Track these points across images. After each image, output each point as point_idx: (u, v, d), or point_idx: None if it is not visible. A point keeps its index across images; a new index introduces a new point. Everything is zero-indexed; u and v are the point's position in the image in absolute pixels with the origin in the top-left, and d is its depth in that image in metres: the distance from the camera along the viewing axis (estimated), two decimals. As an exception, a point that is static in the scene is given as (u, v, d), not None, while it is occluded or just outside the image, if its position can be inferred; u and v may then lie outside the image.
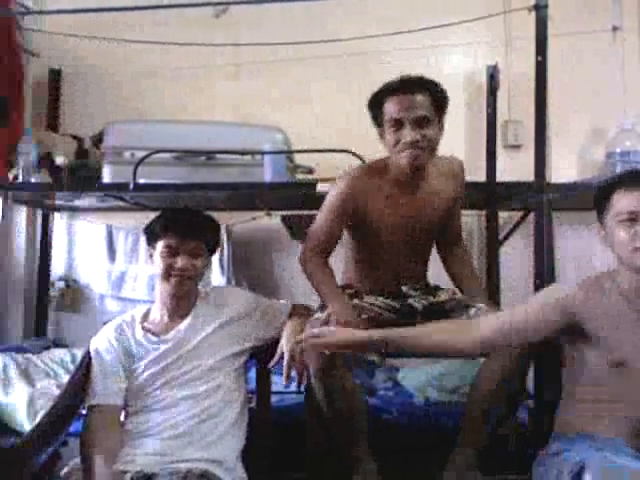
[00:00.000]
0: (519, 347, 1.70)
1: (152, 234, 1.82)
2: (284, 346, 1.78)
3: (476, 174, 2.63)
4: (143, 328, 1.82)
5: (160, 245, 1.79)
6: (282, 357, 1.77)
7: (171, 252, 1.77)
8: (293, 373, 1.74)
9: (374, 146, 2.69)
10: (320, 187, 2.32)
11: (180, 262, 1.77)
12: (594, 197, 1.57)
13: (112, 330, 1.83)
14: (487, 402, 1.78)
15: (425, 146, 1.82)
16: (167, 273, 1.78)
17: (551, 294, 1.59)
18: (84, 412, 1.75)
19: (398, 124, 1.81)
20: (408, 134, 1.80)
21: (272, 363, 1.79)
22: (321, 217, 1.97)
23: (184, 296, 1.82)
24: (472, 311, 1.88)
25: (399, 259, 1.98)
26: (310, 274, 1.94)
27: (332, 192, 1.96)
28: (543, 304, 1.57)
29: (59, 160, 2.62)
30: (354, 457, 1.83)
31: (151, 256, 1.84)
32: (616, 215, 1.48)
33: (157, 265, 1.80)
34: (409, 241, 1.97)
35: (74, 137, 2.81)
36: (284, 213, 2.76)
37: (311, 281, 1.94)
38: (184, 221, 1.81)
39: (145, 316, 1.86)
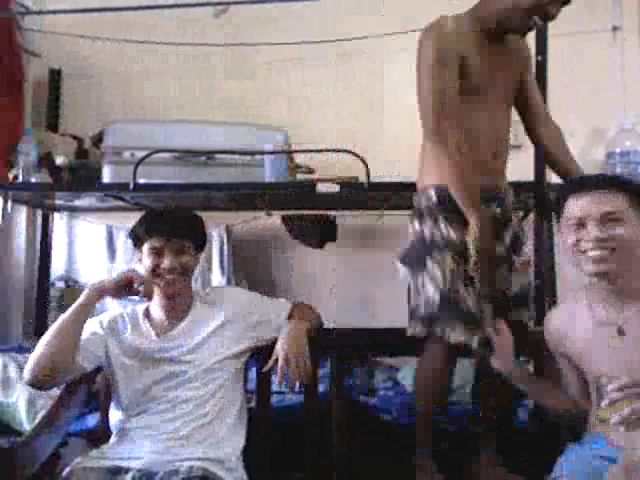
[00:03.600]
0: None
1: (137, 238, 1.82)
2: (279, 350, 1.78)
3: (476, 174, 2.63)
4: (147, 322, 1.83)
5: (146, 247, 1.79)
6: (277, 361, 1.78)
7: (156, 253, 1.78)
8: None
9: (374, 146, 2.70)
10: (320, 187, 2.33)
11: (166, 262, 1.77)
12: (554, 208, 1.61)
13: (107, 315, 1.85)
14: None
15: None
16: (154, 272, 1.78)
17: (548, 340, 1.66)
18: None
19: None
20: None
21: (266, 367, 1.81)
22: (430, 76, 1.73)
23: (178, 294, 1.82)
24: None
25: (496, 131, 1.84)
26: (448, 162, 1.71)
27: (428, 48, 1.75)
28: (555, 355, 1.65)
29: (59, 160, 2.62)
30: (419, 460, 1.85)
31: (140, 259, 1.84)
32: (566, 221, 1.52)
33: (144, 265, 1.80)
34: (502, 107, 1.85)
35: (74, 137, 2.81)
36: (284, 213, 2.76)
37: (447, 169, 1.72)
38: (167, 222, 1.81)
39: (146, 313, 1.86)
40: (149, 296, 1.82)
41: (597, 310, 1.53)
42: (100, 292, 1.77)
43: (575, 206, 1.50)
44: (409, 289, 1.84)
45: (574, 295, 1.62)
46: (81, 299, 1.74)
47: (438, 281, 1.74)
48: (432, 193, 1.79)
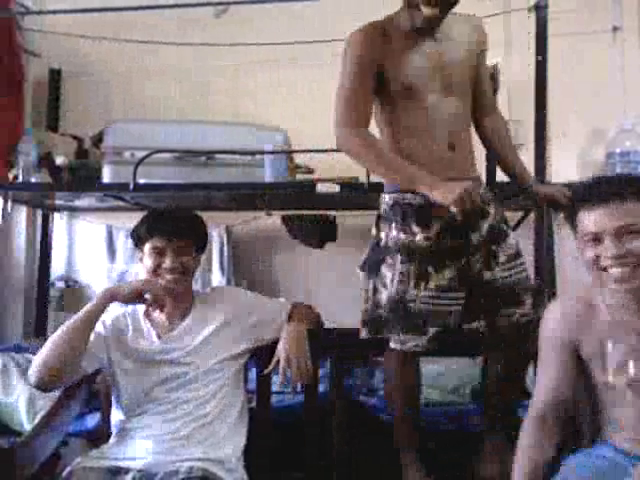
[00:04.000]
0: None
1: (138, 237, 1.83)
2: (281, 352, 1.79)
3: (476, 174, 2.63)
4: (148, 322, 1.83)
5: (147, 247, 1.80)
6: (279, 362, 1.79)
7: (158, 252, 1.78)
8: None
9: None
10: (320, 187, 2.32)
11: (167, 262, 1.77)
12: (567, 215, 1.52)
13: (110, 314, 1.84)
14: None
15: None
16: (155, 272, 1.78)
17: (547, 341, 1.55)
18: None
19: None
20: None
21: (268, 369, 1.82)
22: (345, 82, 1.77)
23: (178, 295, 1.82)
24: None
25: (446, 123, 1.80)
26: (362, 151, 1.74)
27: (349, 52, 1.79)
28: (554, 358, 1.52)
29: (59, 160, 2.62)
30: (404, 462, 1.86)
31: (141, 259, 1.84)
32: (582, 236, 1.43)
33: (145, 265, 1.80)
34: (450, 100, 1.81)
35: (74, 137, 2.81)
36: (284, 213, 2.76)
37: (366, 161, 1.78)
38: (168, 222, 1.81)
39: (147, 312, 1.86)
40: (161, 305, 1.80)
41: (616, 313, 1.45)
42: (113, 298, 1.75)
43: (588, 220, 1.40)
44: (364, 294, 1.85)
45: (586, 291, 1.52)
46: (93, 302, 1.73)
47: (387, 285, 1.75)
48: (387, 198, 1.80)
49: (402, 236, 1.74)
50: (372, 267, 1.81)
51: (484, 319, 1.79)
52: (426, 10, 1.71)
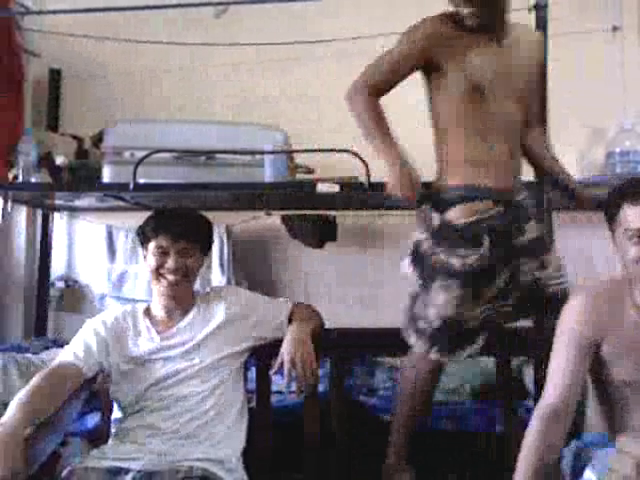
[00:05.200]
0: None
1: (144, 236, 1.83)
2: (285, 353, 1.78)
3: (476, 174, 2.63)
4: (147, 320, 1.83)
5: (152, 246, 1.79)
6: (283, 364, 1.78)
7: (162, 252, 1.78)
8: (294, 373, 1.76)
9: (374, 146, 2.67)
10: (320, 187, 2.33)
11: (170, 262, 1.77)
12: (604, 207, 1.48)
13: (111, 315, 1.85)
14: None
15: None
16: (157, 272, 1.78)
17: (567, 334, 1.48)
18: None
19: None
20: None
21: (273, 371, 1.81)
22: (394, 55, 1.83)
23: (178, 296, 1.82)
24: None
25: (509, 129, 1.84)
26: (360, 110, 1.81)
27: (410, 34, 1.82)
28: (571, 354, 1.47)
29: (59, 160, 2.62)
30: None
31: (145, 257, 1.85)
32: (625, 231, 1.39)
33: (149, 265, 1.81)
34: (512, 107, 1.84)
35: (74, 137, 2.81)
36: (284, 213, 2.76)
37: (359, 118, 1.82)
38: (174, 222, 1.81)
39: (147, 311, 1.87)
40: None
41: None
42: None
43: (635, 216, 1.37)
44: (414, 294, 1.82)
45: (614, 284, 1.50)
46: None
47: (438, 306, 1.74)
48: (435, 219, 1.78)
49: (454, 261, 1.72)
50: (424, 281, 1.79)
51: (533, 319, 1.82)
52: (466, 10, 1.75)
